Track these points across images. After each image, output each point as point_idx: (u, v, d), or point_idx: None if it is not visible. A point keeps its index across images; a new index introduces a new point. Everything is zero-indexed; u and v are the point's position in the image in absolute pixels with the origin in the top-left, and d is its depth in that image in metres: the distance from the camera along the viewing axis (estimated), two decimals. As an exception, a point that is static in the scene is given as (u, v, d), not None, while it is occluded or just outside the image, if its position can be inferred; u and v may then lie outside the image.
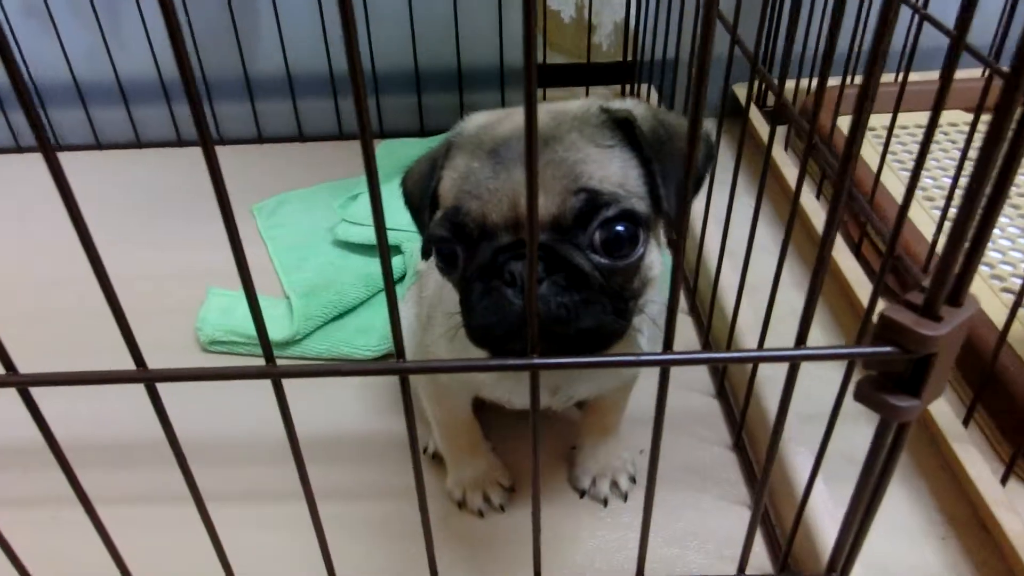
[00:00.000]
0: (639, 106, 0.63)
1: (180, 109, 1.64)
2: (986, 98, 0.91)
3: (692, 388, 1.03)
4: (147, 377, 0.49)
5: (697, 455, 0.94)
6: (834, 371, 0.65)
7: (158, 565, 0.67)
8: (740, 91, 1.57)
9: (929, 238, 1.01)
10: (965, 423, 0.89)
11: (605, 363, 0.49)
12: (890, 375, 0.49)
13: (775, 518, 0.85)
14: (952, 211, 0.98)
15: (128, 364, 0.49)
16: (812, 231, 1.24)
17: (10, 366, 0.48)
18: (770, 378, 0.91)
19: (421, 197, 0.65)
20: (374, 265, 1.22)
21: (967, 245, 0.44)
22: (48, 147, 0.39)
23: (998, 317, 0.96)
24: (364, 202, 1.30)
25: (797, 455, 0.84)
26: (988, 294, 1.04)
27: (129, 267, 1.25)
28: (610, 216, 0.56)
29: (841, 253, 1.13)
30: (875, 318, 0.48)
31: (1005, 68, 0.86)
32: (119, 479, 0.94)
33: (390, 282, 0.45)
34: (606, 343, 0.58)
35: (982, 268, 1.10)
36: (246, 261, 0.44)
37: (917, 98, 1.09)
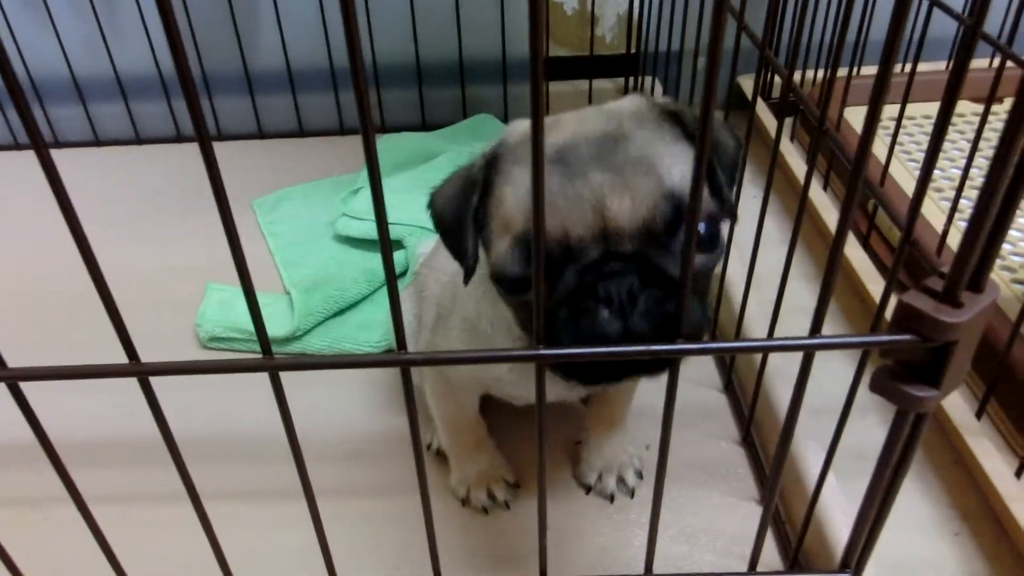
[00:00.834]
0: (674, 103, 0.61)
1: (180, 104, 1.62)
2: (998, 86, 0.89)
3: (699, 383, 1.02)
4: (139, 370, 0.47)
5: (705, 451, 0.92)
6: (845, 364, 0.63)
7: (154, 565, 0.66)
8: (745, 83, 1.55)
9: (939, 229, 1.00)
10: (978, 416, 0.87)
11: (616, 353, 0.47)
12: (907, 364, 0.47)
13: (785, 514, 0.84)
14: (964, 202, 0.96)
15: (123, 359, 0.47)
16: (819, 222, 1.22)
17: (-1, 360, 0.47)
18: (779, 371, 0.89)
19: (459, 219, 0.58)
20: (376, 260, 1.20)
21: (989, 226, 0.42)
22: (41, 143, 0.38)
23: (1010, 308, 0.94)
24: (365, 196, 1.28)
25: (807, 449, 0.82)
26: (999, 286, 1.02)
27: (129, 264, 1.24)
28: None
29: (850, 245, 1.11)
30: (891, 309, 0.47)
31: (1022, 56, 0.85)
32: (113, 478, 0.92)
33: (391, 274, 0.43)
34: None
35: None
36: (242, 252, 0.42)
37: (924, 88, 1.07)
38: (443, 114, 1.65)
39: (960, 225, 1.03)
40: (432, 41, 1.58)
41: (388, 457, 0.93)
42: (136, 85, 1.61)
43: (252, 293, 0.45)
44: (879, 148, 1.25)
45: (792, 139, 1.44)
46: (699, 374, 1.03)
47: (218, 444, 0.96)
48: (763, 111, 1.47)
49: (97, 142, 1.66)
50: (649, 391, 0.77)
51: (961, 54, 0.46)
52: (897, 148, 1.29)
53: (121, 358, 0.47)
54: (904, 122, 1.06)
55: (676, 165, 0.52)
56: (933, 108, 0.64)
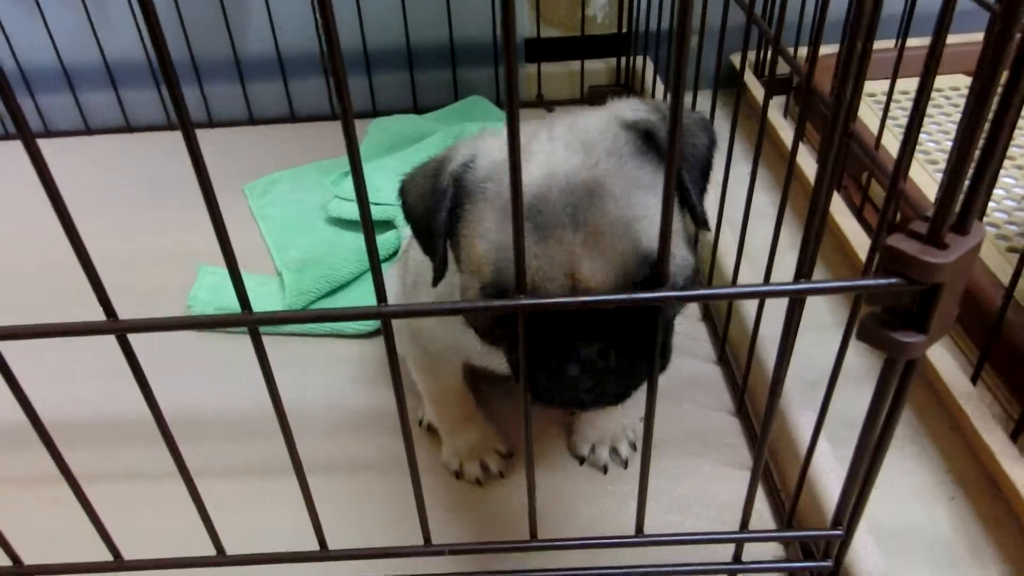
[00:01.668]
0: (647, 110, 0.59)
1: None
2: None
3: (694, 355, 1.01)
4: (117, 328, 0.47)
5: (699, 422, 0.92)
6: (839, 335, 0.62)
7: (147, 541, 0.66)
8: (737, 61, 1.54)
9: (933, 199, 0.99)
10: (973, 381, 0.86)
11: (600, 302, 0.47)
12: (895, 310, 0.47)
13: (779, 481, 0.83)
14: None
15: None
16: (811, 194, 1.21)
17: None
18: (771, 339, 0.88)
19: (428, 223, 0.58)
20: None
21: (974, 165, 0.41)
22: (27, 133, 0.38)
23: (1004, 275, 0.94)
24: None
25: (801, 416, 0.81)
26: (994, 253, 1.01)
27: (121, 250, 1.24)
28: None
29: (842, 215, 1.11)
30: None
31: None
32: (106, 456, 0.92)
33: (370, 232, 0.43)
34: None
35: (987, 228, 1.07)
36: (223, 223, 0.42)
37: (918, 63, 1.06)
38: (435, 97, 1.64)
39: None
40: (422, 24, 1.57)
41: (381, 432, 0.92)
42: (126, 73, 1.60)
43: (232, 257, 0.45)
44: (873, 121, 1.25)
45: (785, 115, 1.43)
46: (693, 346, 1.02)
47: (209, 424, 0.96)
48: (756, 88, 1.46)
49: (88, 130, 1.65)
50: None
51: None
52: (891, 122, 1.28)
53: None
54: (898, 96, 1.05)
55: (654, 224, 0.48)
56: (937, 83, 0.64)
